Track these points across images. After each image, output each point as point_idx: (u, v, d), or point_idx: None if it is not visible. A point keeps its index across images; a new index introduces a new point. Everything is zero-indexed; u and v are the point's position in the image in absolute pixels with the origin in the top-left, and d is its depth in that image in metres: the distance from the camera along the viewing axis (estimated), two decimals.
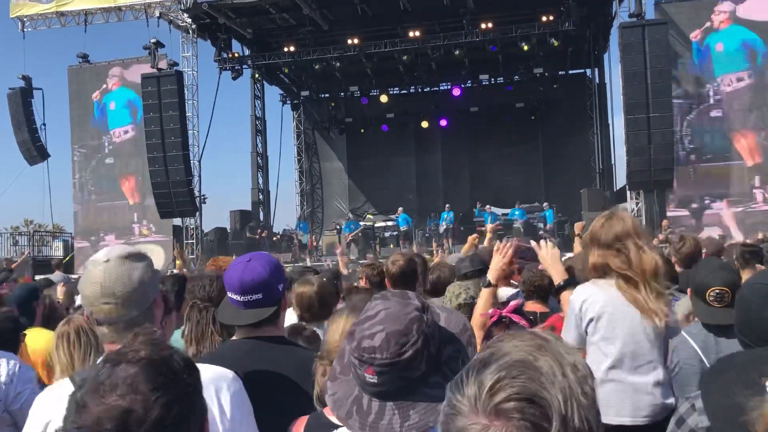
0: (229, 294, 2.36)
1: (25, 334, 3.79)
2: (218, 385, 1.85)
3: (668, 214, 18.87)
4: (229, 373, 1.91)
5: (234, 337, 2.48)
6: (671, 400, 2.84)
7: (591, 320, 2.89)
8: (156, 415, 1.13)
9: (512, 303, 3.04)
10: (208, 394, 1.71)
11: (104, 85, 23.45)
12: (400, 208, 23.45)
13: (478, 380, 0.87)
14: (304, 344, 2.78)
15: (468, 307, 3.02)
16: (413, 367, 1.42)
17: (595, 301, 2.89)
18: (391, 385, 1.42)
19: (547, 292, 4.33)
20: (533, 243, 3.07)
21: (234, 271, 2.35)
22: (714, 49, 19.12)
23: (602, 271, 2.93)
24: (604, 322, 2.86)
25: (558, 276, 3.31)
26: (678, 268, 4.42)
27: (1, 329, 3.41)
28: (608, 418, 2.79)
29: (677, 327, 3.00)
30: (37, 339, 4.03)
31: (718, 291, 2.94)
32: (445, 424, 0.90)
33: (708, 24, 19.11)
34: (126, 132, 23.40)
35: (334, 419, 1.84)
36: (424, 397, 1.43)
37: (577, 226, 5.92)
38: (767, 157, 18.83)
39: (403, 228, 22.91)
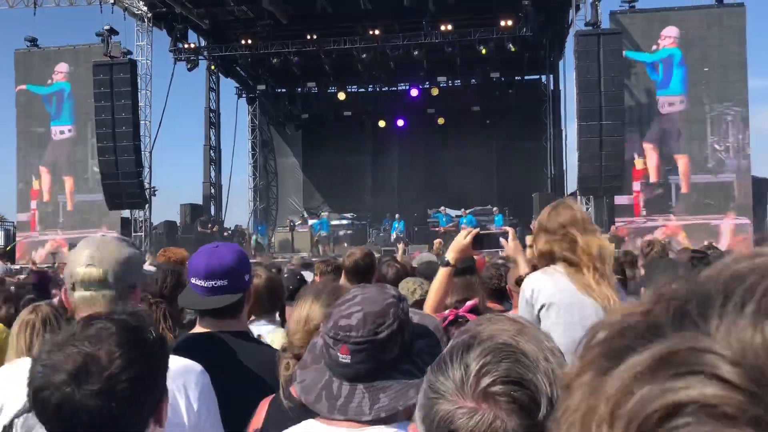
0: (192, 280, 2.28)
1: None
2: (186, 378, 1.81)
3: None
4: (197, 367, 1.87)
5: (192, 331, 2.39)
6: None
7: (542, 307, 2.92)
8: (117, 366, 1.21)
9: (468, 303, 3.05)
10: (176, 386, 1.68)
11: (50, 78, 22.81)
12: (397, 215, 23.49)
13: (463, 363, 0.86)
14: None
15: (422, 304, 3.00)
16: (387, 349, 1.43)
17: (544, 288, 2.93)
18: (364, 365, 1.43)
19: (503, 292, 4.38)
20: (508, 229, 3.07)
21: (200, 255, 2.30)
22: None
23: (549, 258, 2.98)
24: (555, 309, 2.89)
25: (524, 266, 3.36)
26: (643, 272, 4.52)
27: None
28: None
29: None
30: None
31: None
32: (427, 408, 0.88)
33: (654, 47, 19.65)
34: (62, 132, 22.84)
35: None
36: (394, 382, 1.43)
37: (528, 239, 5.97)
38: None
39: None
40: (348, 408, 1.42)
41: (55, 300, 3.17)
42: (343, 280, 3.96)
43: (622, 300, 2.93)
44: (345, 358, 1.43)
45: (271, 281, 3.39)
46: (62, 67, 22.73)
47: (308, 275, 4.50)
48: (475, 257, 5.07)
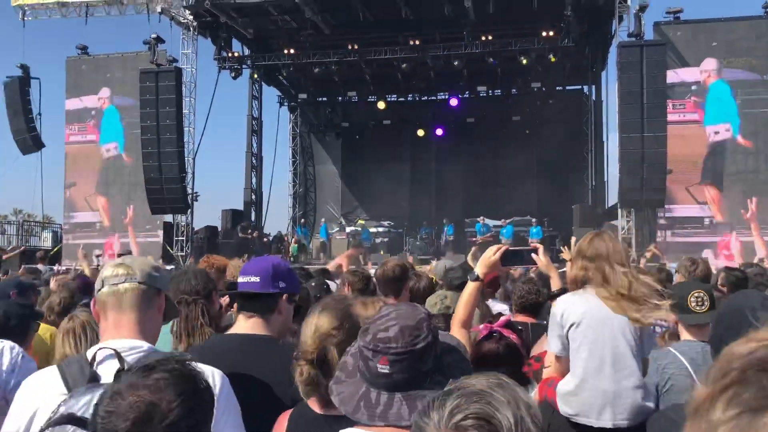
0: (239, 280, 2.57)
1: (38, 325, 3.80)
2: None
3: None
4: (217, 372, 1.95)
5: (227, 332, 2.59)
6: (651, 403, 2.95)
7: (571, 326, 2.98)
8: (176, 415, 1.32)
9: (503, 318, 3.11)
10: None
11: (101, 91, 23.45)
12: (445, 219, 24.10)
13: (442, 405, 1.00)
14: None
15: (442, 318, 3.04)
16: (423, 360, 1.53)
17: (574, 310, 3.00)
18: (402, 375, 1.52)
19: (539, 306, 4.41)
20: (538, 246, 3.14)
21: (250, 260, 2.67)
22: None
23: (582, 284, 3.06)
24: (583, 328, 2.95)
25: (557, 281, 3.45)
26: None
27: (9, 316, 3.39)
28: (590, 420, 2.92)
29: (652, 335, 3.12)
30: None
31: (697, 295, 3.09)
32: None
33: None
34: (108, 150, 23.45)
35: (318, 411, 1.90)
36: (429, 392, 1.49)
37: (565, 253, 5.98)
38: None
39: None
40: (388, 414, 1.51)
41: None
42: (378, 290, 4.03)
43: (652, 320, 2.98)
44: (384, 369, 1.53)
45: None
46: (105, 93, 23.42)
47: (332, 284, 4.57)
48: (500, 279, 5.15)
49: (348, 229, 24.91)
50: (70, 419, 1.48)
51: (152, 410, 1.30)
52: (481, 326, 3.00)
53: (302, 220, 27.38)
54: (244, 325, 2.49)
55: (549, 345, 3.10)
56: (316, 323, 2.00)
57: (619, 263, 3.00)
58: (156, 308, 2.09)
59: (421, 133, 27.18)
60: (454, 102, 26.29)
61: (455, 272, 4.26)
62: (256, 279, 2.47)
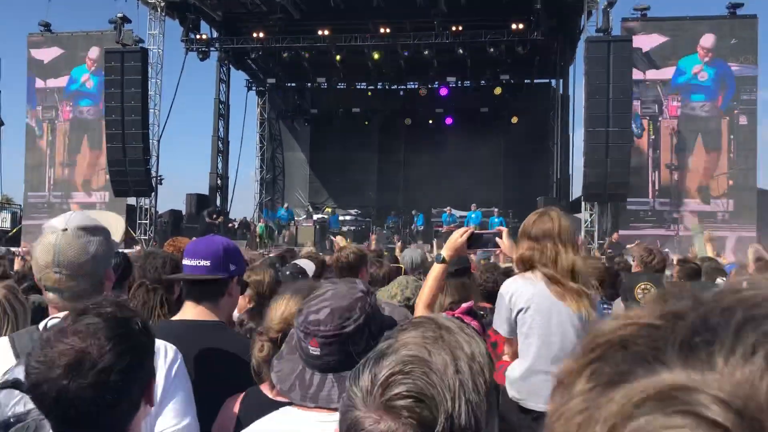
0: (184, 261, 2.44)
1: None
2: (158, 355, 1.87)
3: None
4: (170, 347, 1.94)
5: (173, 318, 2.48)
6: None
7: (519, 311, 3.01)
8: (108, 360, 1.31)
9: (464, 305, 3.12)
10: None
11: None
12: (413, 210, 23.87)
13: (373, 373, 0.91)
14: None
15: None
16: (354, 342, 1.52)
17: (522, 293, 3.01)
18: (332, 357, 1.53)
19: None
20: (502, 229, 3.11)
21: (195, 240, 2.50)
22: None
23: (528, 265, 3.05)
24: (531, 313, 2.98)
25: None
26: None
27: None
28: (539, 405, 2.95)
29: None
30: None
31: (643, 286, 3.14)
32: (343, 415, 0.94)
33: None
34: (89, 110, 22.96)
35: (271, 395, 1.90)
36: None
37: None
38: None
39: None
40: (318, 396, 1.52)
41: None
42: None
43: (594, 312, 3.00)
44: (315, 351, 1.53)
45: (275, 281, 3.44)
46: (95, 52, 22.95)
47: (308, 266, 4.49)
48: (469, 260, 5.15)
49: (315, 217, 24.82)
50: (16, 384, 1.46)
51: (82, 357, 1.29)
52: (443, 313, 3.01)
53: (286, 204, 26.86)
54: (193, 311, 2.38)
55: (496, 324, 3.12)
56: (286, 304, 2.00)
57: (568, 242, 3.01)
58: (101, 292, 2.01)
59: (390, 121, 27.17)
60: (444, 92, 26.25)
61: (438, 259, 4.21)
62: (205, 263, 2.35)
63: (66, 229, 1.95)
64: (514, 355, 3.09)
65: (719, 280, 4.52)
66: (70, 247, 1.94)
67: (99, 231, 2.03)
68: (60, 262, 1.93)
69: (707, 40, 19.37)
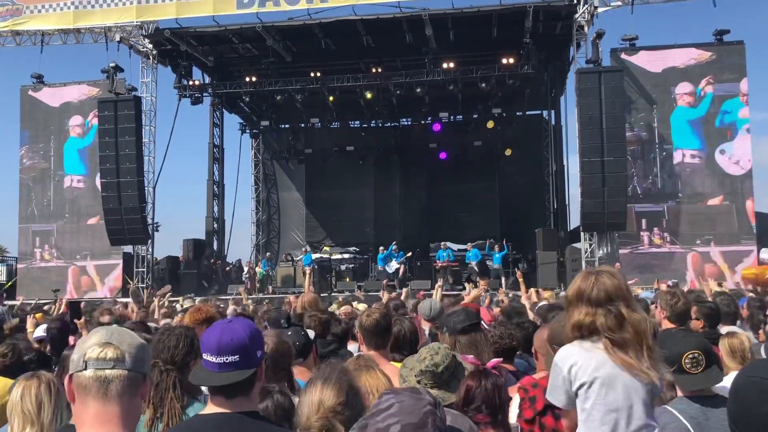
0: (205, 356, 2.24)
1: None
2: None
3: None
4: None
5: (204, 411, 2.30)
6: None
7: (582, 385, 2.75)
8: None
9: (493, 360, 3.04)
10: None
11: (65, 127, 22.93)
12: (394, 244, 22.35)
13: None
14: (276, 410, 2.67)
15: (430, 375, 2.86)
16: None
17: (585, 366, 2.75)
18: None
19: (514, 351, 4.29)
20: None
21: (212, 331, 2.26)
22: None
23: (587, 331, 2.79)
24: (597, 387, 2.73)
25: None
26: (668, 325, 4.46)
27: None
28: None
29: (661, 386, 2.95)
30: None
31: (692, 356, 2.97)
32: None
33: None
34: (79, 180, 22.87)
35: None
36: None
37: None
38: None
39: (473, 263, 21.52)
40: None
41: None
42: (360, 340, 3.88)
43: (663, 374, 2.78)
44: None
45: (277, 350, 3.22)
46: (77, 120, 22.84)
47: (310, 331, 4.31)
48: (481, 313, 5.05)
49: (313, 256, 24.62)
50: None
51: None
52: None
53: (267, 254, 26.55)
54: (224, 400, 2.20)
55: (552, 395, 2.86)
56: (320, 398, 1.88)
57: (633, 301, 2.78)
58: (139, 396, 1.90)
59: (384, 158, 27.24)
60: (437, 128, 26.33)
61: (458, 315, 4.00)
62: (234, 358, 2.17)
63: (113, 326, 1.93)
64: (573, 427, 2.82)
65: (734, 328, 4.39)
66: (123, 330, 1.98)
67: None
68: (114, 338, 1.93)
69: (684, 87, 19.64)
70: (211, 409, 2.23)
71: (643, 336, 2.71)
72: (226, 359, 2.19)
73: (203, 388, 2.85)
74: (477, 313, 4.16)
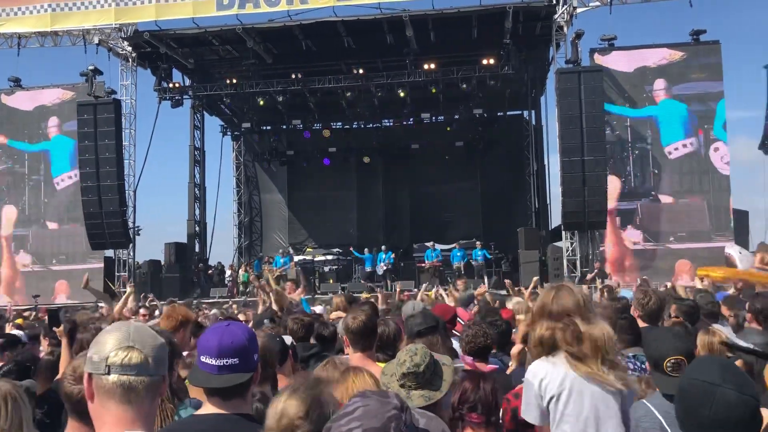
0: (203, 358, 2.27)
1: None
2: None
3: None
4: None
5: (199, 411, 2.35)
6: None
7: (551, 398, 2.84)
8: None
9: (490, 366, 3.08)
10: None
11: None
12: (383, 246, 22.44)
13: None
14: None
15: (413, 376, 2.88)
16: None
17: (554, 378, 2.84)
18: None
19: (488, 350, 4.31)
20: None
21: (212, 333, 2.30)
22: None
23: (549, 346, 2.88)
24: (564, 399, 2.82)
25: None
26: (642, 323, 4.50)
27: None
28: None
29: (632, 394, 3.01)
30: None
31: (674, 361, 3.01)
32: None
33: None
34: (70, 177, 22.44)
35: None
36: None
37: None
38: None
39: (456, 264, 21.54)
40: None
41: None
42: (345, 342, 3.87)
43: (628, 382, 2.85)
44: None
45: (264, 346, 3.26)
46: (54, 121, 22.53)
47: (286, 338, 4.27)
48: (458, 315, 5.08)
49: (296, 258, 24.54)
50: None
51: None
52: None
53: (280, 250, 26.16)
54: (221, 401, 2.24)
55: (526, 411, 2.94)
56: (283, 408, 1.88)
57: (591, 314, 2.86)
58: (159, 396, 1.88)
59: (366, 159, 27.21)
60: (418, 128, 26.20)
61: (415, 318, 4.04)
62: (234, 360, 2.21)
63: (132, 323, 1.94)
64: None
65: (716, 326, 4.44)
66: (143, 329, 1.91)
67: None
68: (135, 338, 1.86)
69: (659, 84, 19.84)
70: (207, 409, 2.27)
71: (601, 351, 2.79)
72: (226, 362, 2.22)
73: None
74: (435, 316, 4.19)
